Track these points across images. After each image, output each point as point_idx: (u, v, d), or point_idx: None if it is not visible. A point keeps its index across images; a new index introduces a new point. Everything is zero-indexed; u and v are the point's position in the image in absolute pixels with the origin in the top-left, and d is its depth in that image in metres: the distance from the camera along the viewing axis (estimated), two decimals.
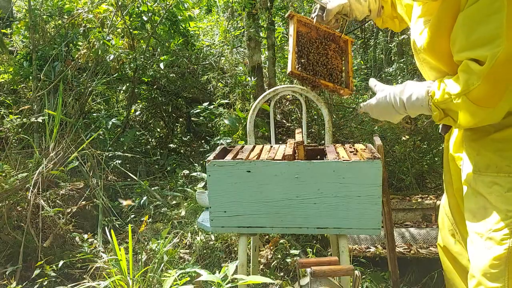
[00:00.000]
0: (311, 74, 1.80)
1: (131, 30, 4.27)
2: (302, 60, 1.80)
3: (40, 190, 2.99)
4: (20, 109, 3.70)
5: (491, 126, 1.40)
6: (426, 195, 3.42)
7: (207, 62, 4.97)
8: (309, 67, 1.81)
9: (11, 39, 4.67)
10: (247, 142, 2.27)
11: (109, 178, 3.62)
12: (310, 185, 1.56)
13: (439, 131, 1.66)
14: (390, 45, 6.52)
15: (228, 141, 3.53)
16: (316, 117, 4.24)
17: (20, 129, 3.67)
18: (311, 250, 2.73)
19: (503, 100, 1.28)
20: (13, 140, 3.71)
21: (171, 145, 4.59)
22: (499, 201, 1.35)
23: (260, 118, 3.95)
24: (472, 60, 1.24)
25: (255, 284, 2.47)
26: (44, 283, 2.48)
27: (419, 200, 3.33)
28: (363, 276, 2.55)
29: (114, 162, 3.75)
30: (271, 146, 1.91)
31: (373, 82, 1.60)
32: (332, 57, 1.87)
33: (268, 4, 4.10)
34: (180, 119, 5.07)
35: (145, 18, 4.23)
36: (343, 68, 1.90)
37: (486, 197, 1.39)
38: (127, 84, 4.57)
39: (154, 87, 4.74)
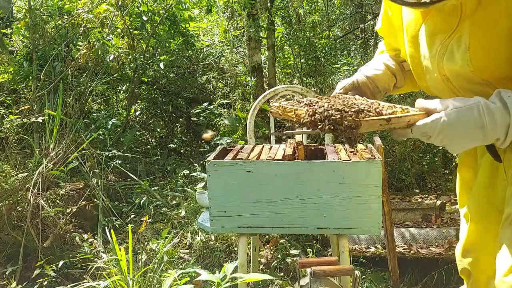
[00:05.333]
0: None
1: (131, 30, 4.27)
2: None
3: (40, 190, 2.99)
4: (20, 109, 3.70)
5: None
6: (426, 195, 3.42)
7: (207, 62, 4.97)
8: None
9: (11, 39, 4.68)
10: (247, 142, 2.27)
11: (109, 178, 3.62)
12: (310, 185, 1.56)
13: (488, 151, 1.23)
14: None
15: (228, 141, 3.53)
16: None
17: (20, 129, 3.67)
18: (311, 250, 2.73)
19: None
20: (13, 140, 3.71)
21: (171, 145, 4.59)
22: None
23: (260, 118, 3.95)
24: None
25: (255, 283, 2.47)
26: (44, 283, 2.48)
27: (419, 200, 3.33)
28: (363, 276, 2.55)
29: (114, 162, 3.75)
30: (271, 146, 1.91)
31: (425, 102, 1.09)
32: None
33: (268, 4, 4.10)
34: (180, 119, 5.07)
35: (145, 18, 4.23)
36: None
37: None
38: (127, 84, 4.57)
39: (154, 87, 4.74)
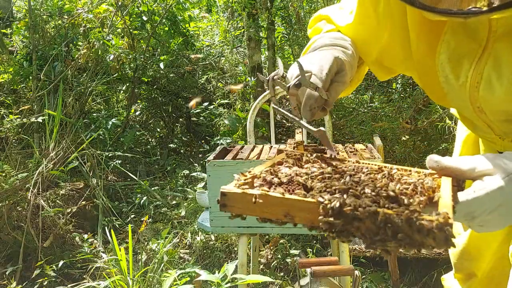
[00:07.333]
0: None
1: (131, 30, 4.27)
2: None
3: (40, 190, 2.99)
4: (20, 109, 3.70)
5: None
6: None
7: (207, 62, 4.97)
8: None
9: (11, 39, 4.68)
10: (247, 142, 2.27)
11: (109, 178, 3.62)
12: None
13: None
14: None
15: (228, 141, 3.53)
16: None
17: (20, 129, 3.67)
18: (311, 250, 2.73)
19: None
20: (13, 140, 3.71)
21: (171, 145, 4.59)
22: None
23: (260, 118, 3.95)
24: None
25: (255, 284, 2.47)
26: (44, 283, 2.48)
27: None
28: (363, 276, 2.55)
29: (114, 162, 3.75)
30: (271, 146, 1.91)
31: (442, 159, 0.70)
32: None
33: (268, 4, 4.10)
34: (180, 119, 5.07)
35: (145, 18, 4.24)
36: None
37: None
38: (127, 84, 4.57)
39: (154, 87, 4.75)
